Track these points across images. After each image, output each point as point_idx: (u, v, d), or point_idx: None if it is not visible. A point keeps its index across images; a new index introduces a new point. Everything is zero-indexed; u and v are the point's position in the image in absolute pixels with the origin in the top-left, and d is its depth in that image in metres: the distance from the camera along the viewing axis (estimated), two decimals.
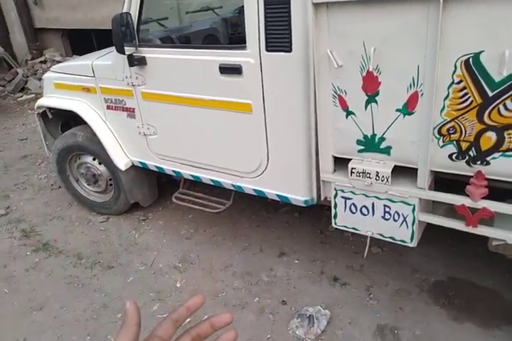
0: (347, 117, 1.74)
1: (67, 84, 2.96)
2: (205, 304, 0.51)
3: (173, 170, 2.71)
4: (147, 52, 2.35)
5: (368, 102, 1.64)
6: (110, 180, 3.17)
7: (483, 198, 1.56)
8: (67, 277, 2.74)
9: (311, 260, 2.73)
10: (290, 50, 1.84)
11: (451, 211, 1.85)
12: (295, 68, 1.87)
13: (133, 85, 2.53)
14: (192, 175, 2.63)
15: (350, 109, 1.71)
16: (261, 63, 1.96)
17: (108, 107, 2.79)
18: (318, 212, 3.17)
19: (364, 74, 1.59)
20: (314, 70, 1.80)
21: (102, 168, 3.13)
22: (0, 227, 3.35)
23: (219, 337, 0.48)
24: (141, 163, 2.87)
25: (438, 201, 1.78)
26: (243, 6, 1.95)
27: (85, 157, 3.17)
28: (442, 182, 1.81)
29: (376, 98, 1.61)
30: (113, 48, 2.91)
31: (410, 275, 2.55)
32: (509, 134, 1.41)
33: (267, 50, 1.90)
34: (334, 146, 1.85)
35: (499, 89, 1.35)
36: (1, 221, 3.43)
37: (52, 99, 3.08)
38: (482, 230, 1.63)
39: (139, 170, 3.01)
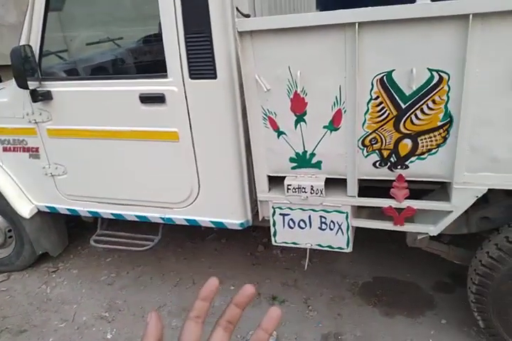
0: (278, 137, 1.84)
1: None
2: None
3: (88, 211, 2.50)
4: (53, 86, 2.19)
5: (297, 122, 1.77)
6: (9, 231, 2.78)
7: (406, 198, 1.78)
8: None
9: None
10: (215, 77, 1.90)
11: (372, 214, 2.05)
12: (221, 94, 1.93)
13: (36, 122, 2.31)
14: (112, 214, 2.46)
15: (281, 130, 1.82)
16: (185, 91, 1.98)
17: (5, 149, 2.49)
18: (245, 234, 3.20)
19: (291, 96, 1.72)
20: (241, 95, 1.88)
21: None
22: None
23: (236, 295, 0.46)
24: (48, 207, 2.59)
25: (361, 206, 1.97)
26: (158, 35, 1.96)
27: None
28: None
29: (304, 117, 1.75)
30: (4, 84, 2.67)
31: (341, 281, 2.71)
32: (421, 140, 1.65)
33: (191, 78, 1.94)
34: (268, 166, 1.93)
35: (410, 102, 1.58)
36: None
37: None
38: (408, 227, 1.84)
39: (46, 216, 2.71)
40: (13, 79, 2.20)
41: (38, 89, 2.17)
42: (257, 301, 2.56)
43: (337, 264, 2.84)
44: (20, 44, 2.13)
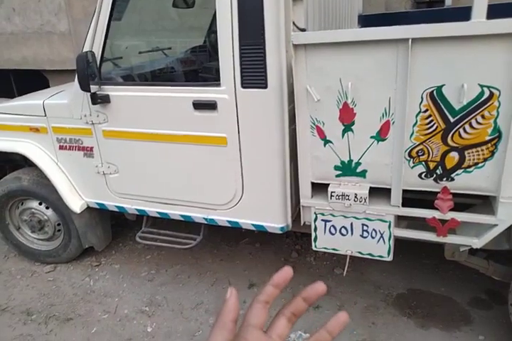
0: (325, 145, 1.90)
1: (10, 125, 2.77)
2: None
3: (136, 209, 2.63)
4: (111, 90, 2.34)
5: (344, 131, 1.83)
6: (58, 225, 2.95)
7: (450, 210, 1.80)
8: (17, 337, 2.45)
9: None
10: (266, 87, 1.99)
11: (411, 226, 2.08)
12: (270, 102, 2.02)
13: (92, 124, 2.47)
14: (158, 212, 2.58)
15: (327, 138, 1.88)
16: (236, 99, 2.07)
17: (61, 147, 2.66)
18: (279, 240, 3.27)
19: (341, 106, 1.79)
20: (289, 104, 1.97)
21: (49, 213, 2.92)
22: None
23: (306, 289, 0.45)
24: (98, 204, 2.74)
25: (400, 218, 2.00)
26: (213, 46, 2.07)
27: (30, 202, 2.93)
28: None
29: (352, 127, 1.81)
30: (64, 87, 2.86)
31: (374, 291, 2.72)
32: (468, 153, 1.68)
33: (243, 87, 2.03)
34: (313, 173, 1.99)
35: (459, 116, 1.62)
36: None
37: None
38: (451, 238, 1.85)
39: (93, 212, 2.86)
40: (75, 83, 2.37)
41: (97, 92, 2.32)
42: None
43: (370, 275, 2.85)
44: (84, 50, 2.30)
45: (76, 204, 2.72)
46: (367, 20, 3.43)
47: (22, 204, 2.97)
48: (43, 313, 2.61)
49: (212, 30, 3.20)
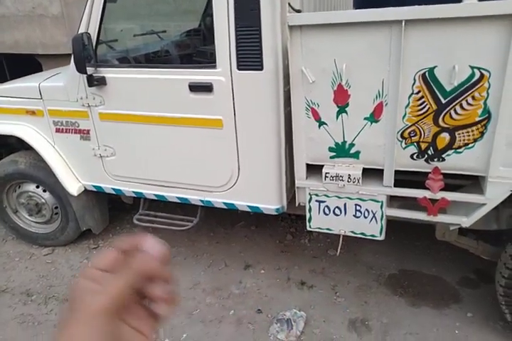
0: (319, 127, 1.94)
1: (5, 108, 2.77)
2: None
3: (133, 191, 2.67)
4: (107, 72, 2.34)
5: (338, 113, 1.86)
6: (56, 208, 2.98)
7: (441, 190, 1.85)
8: (17, 316, 2.50)
9: (276, 268, 2.84)
10: (261, 68, 2.01)
11: (402, 206, 2.13)
12: (266, 84, 2.04)
13: (89, 106, 2.48)
14: (155, 195, 2.61)
15: (322, 120, 1.91)
16: (232, 81, 2.09)
17: (57, 130, 2.67)
18: (274, 223, 3.32)
19: (335, 88, 1.81)
20: (284, 86, 1.99)
21: (46, 196, 2.94)
22: None
23: None
24: (95, 186, 2.77)
25: (395, 197, 2.05)
26: (209, 29, 2.08)
27: (27, 185, 2.96)
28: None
29: (346, 109, 1.84)
30: (59, 70, 2.86)
31: (367, 271, 2.79)
32: (459, 134, 1.72)
33: (239, 69, 2.05)
34: (307, 154, 2.03)
35: (450, 97, 1.65)
36: None
37: None
38: (441, 218, 1.91)
39: (91, 195, 2.89)
40: (71, 65, 2.37)
41: (94, 74, 2.33)
42: (287, 285, 2.68)
43: (363, 256, 2.92)
44: (80, 32, 2.29)
45: (73, 187, 2.75)
46: (362, 3, 3.41)
47: (19, 187, 2.99)
48: (43, 294, 2.66)
49: (207, 12, 3.19)
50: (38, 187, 2.94)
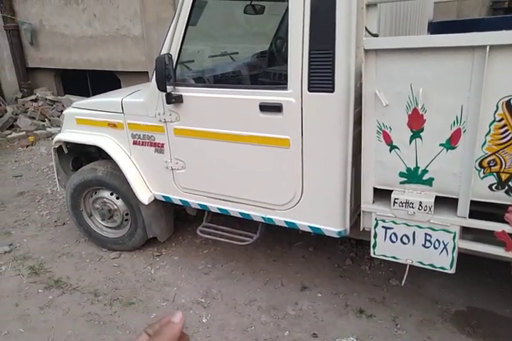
0: (390, 151, 1.89)
1: (90, 120, 3.02)
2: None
3: (198, 204, 2.76)
4: (184, 91, 2.48)
5: (412, 137, 1.81)
6: (126, 215, 3.16)
7: None
8: (86, 314, 2.65)
9: (333, 293, 2.77)
10: (333, 91, 2.02)
11: (477, 239, 1.99)
12: (336, 107, 2.04)
13: (165, 122, 2.63)
14: (219, 209, 2.68)
15: (394, 144, 1.87)
16: (302, 102, 2.12)
17: (135, 142, 2.85)
18: (333, 246, 3.26)
19: (410, 112, 1.77)
20: (355, 108, 1.98)
21: (119, 203, 3.13)
22: (5, 265, 3.22)
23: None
24: (164, 197, 2.90)
25: (468, 229, 1.92)
26: (280, 51, 2.13)
27: (102, 192, 3.17)
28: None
29: (421, 134, 1.79)
30: (140, 87, 3.07)
31: (431, 306, 2.63)
32: None
33: (310, 90, 2.08)
34: (376, 178, 1.99)
35: None
36: (5, 258, 3.30)
37: (73, 134, 3.12)
38: None
39: (159, 205, 3.04)
40: (152, 83, 2.54)
41: (172, 92, 2.47)
42: (344, 311, 2.60)
43: (428, 289, 2.76)
44: (162, 53, 2.46)
45: (145, 196, 2.90)
46: (437, 27, 3.33)
47: (95, 193, 3.21)
48: (108, 295, 2.81)
49: (279, 35, 3.28)
50: (112, 194, 3.14)
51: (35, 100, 7.17)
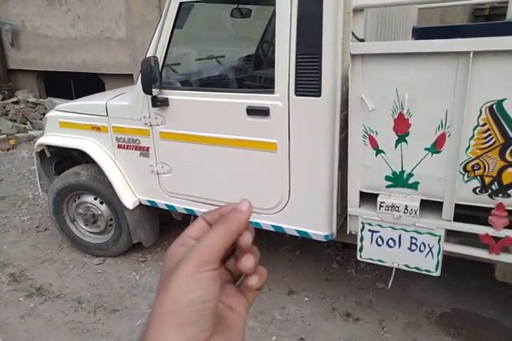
0: (376, 155, 1.90)
1: (74, 123, 2.97)
2: None
3: (184, 208, 2.73)
4: (170, 94, 2.46)
5: (398, 142, 1.83)
6: (110, 220, 3.11)
7: (505, 228, 1.74)
8: (69, 322, 2.59)
9: (320, 297, 2.77)
10: (319, 95, 2.02)
11: (461, 242, 2.02)
12: (323, 111, 2.05)
13: (150, 125, 2.60)
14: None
15: (380, 148, 1.88)
16: (289, 106, 2.12)
17: (119, 146, 2.81)
18: (319, 250, 3.26)
19: (396, 116, 1.79)
20: (341, 112, 1.99)
21: (103, 208, 3.08)
22: None
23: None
24: (149, 201, 2.86)
25: (453, 232, 1.95)
26: (266, 55, 2.13)
27: (86, 196, 3.12)
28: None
29: (406, 138, 1.80)
30: (124, 90, 3.03)
31: (417, 308, 2.65)
32: None
33: (296, 95, 2.08)
34: (362, 182, 1.99)
35: None
36: None
37: (56, 138, 3.06)
38: (504, 257, 1.79)
39: (144, 210, 2.99)
40: (137, 86, 2.51)
41: (158, 95, 2.45)
42: (331, 315, 2.60)
43: (413, 291, 2.79)
44: (148, 55, 2.43)
45: (129, 200, 2.86)
46: (421, 33, 3.39)
47: (79, 198, 3.15)
48: (92, 303, 2.75)
49: (266, 39, 3.28)
50: (96, 199, 3.08)
51: (17, 102, 7.03)
